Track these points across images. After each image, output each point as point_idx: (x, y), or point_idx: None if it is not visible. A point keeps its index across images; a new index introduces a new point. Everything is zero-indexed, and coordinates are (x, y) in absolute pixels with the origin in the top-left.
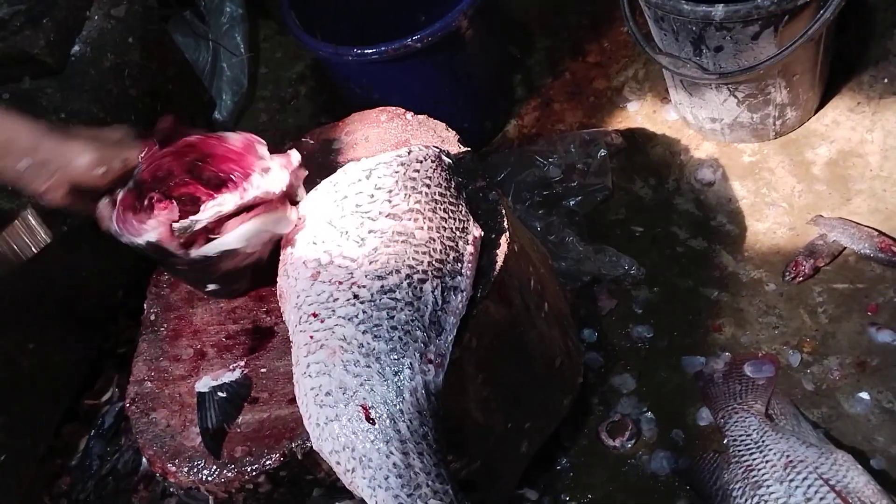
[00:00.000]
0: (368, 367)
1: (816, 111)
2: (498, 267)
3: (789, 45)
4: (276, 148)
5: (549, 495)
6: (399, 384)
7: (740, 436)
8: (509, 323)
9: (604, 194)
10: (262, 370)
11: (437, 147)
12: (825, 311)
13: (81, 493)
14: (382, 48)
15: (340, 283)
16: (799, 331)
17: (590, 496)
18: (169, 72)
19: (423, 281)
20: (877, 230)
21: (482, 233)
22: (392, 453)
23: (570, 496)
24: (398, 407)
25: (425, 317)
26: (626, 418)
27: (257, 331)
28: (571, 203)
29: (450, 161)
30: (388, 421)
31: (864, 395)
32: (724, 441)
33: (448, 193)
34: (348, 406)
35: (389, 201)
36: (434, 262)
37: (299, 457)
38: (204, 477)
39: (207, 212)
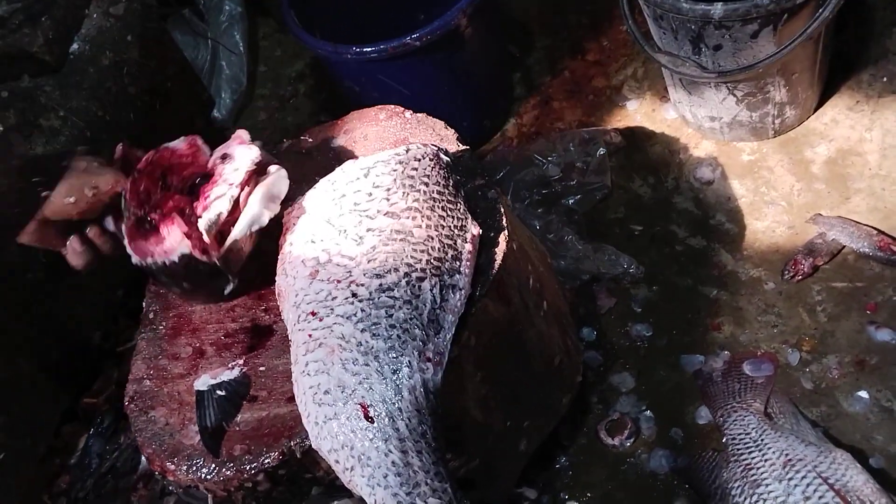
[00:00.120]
0: (367, 365)
1: (815, 110)
2: (497, 265)
3: (788, 43)
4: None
5: (548, 494)
6: (398, 382)
7: (739, 434)
8: (508, 321)
9: (603, 193)
10: (261, 368)
11: (435, 145)
12: (824, 310)
13: (81, 491)
14: (382, 46)
15: (339, 281)
16: (798, 329)
17: (589, 495)
18: (168, 70)
19: (421, 279)
20: (876, 229)
21: (480, 231)
22: (391, 452)
23: (569, 495)
24: (397, 405)
25: (424, 315)
26: (625, 417)
27: (256, 329)
28: (570, 201)
29: (448, 159)
30: (386, 419)
31: (863, 394)
32: (723, 440)
33: (446, 192)
34: (347, 404)
35: (388, 199)
36: (432, 261)
37: (298, 455)
38: (203, 475)
39: (220, 201)
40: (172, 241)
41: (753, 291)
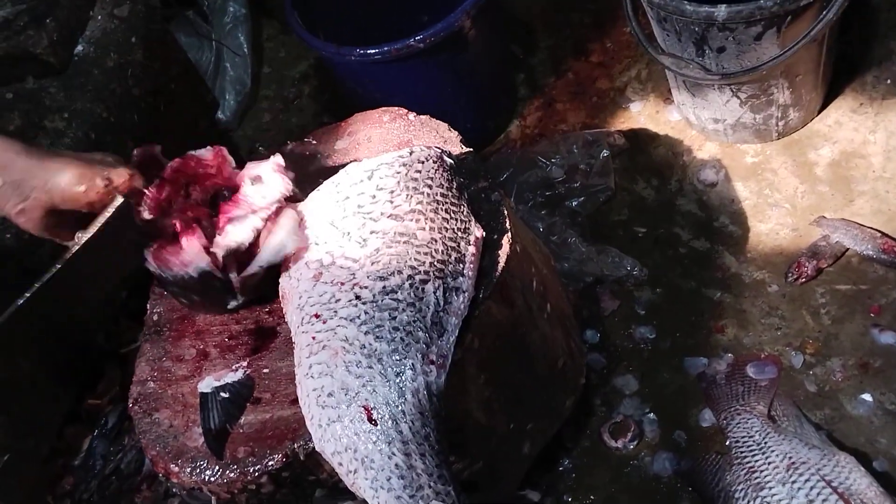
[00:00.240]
0: (370, 367)
1: (819, 112)
2: (500, 267)
3: (792, 45)
4: (276, 148)
5: (552, 496)
6: (401, 385)
7: (743, 437)
8: (511, 324)
9: (606, 195)
10: (265, 371)
11: (439, 147)
12: (828, 313)
13: (85, 493)
14: (385, 48)
15: (342, 283)
16: (801, 332)
17: (592, 497)
18: (172, 71)
19: (424, 282)
20: (880, 231)
21: (484, 233)
22: (394, 454)
23: (572, 497)
24: (400, 408)
25: (427, 318)
26: (628, 419)
27: (260, 331)
28: (574, 204)
29: (452, 161)
30: (390, 422)
31: (867, 397)
32: (727, 442)
33: (450, 194)
34: (350, 407)
35: (391, 202)
36: (436, 263)
37: (302, 457)
38: (206, 477)
39: (242, 228)
40: (191, 255)
41: (757, 294)
